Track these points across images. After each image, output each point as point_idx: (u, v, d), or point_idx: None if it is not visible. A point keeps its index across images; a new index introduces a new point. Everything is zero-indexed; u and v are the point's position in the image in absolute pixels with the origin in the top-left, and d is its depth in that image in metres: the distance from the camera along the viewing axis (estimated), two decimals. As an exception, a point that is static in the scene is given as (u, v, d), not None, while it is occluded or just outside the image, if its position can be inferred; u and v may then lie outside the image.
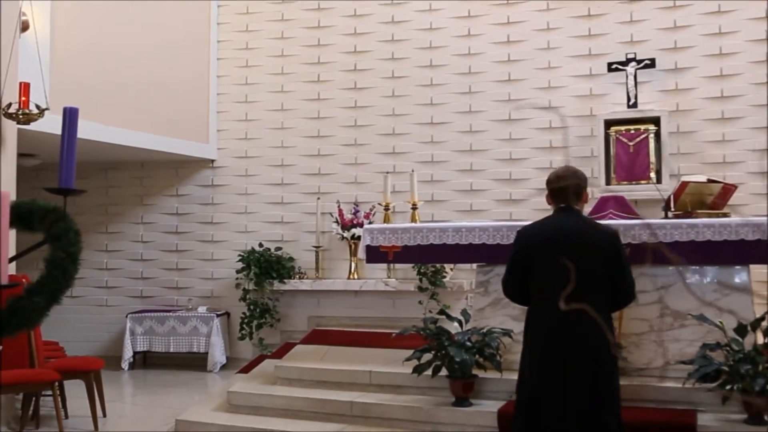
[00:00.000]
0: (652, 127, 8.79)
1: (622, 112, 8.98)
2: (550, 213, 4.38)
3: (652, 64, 8.93)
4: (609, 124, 8.97)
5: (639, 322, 5.85)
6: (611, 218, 6.50)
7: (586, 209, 8.43)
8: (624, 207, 6.76)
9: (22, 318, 2.37)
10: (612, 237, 4.05)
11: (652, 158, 8.77)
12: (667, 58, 9.00)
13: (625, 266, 4.05)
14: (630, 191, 8.59)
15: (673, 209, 6.46)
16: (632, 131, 8.86)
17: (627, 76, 8.97)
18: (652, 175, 8.75)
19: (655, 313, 5.86)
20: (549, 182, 4.16)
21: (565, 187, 4.10)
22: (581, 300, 3.74)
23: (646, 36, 9.10)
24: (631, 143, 8.84)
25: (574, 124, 9.31)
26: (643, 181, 8.74)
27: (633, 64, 8.97)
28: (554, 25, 9.45)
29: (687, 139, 8.86)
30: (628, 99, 8.96)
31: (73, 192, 2.60)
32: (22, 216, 2.62)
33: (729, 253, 5.68)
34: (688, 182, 6.51)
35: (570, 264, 3.77)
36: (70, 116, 2.61)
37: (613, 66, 9.07)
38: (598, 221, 4.38)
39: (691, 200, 6.43)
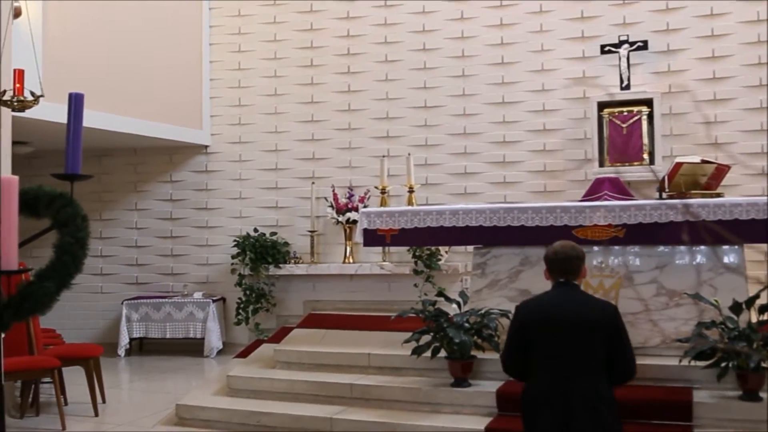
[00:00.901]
0: (645, 109, 8.83)
1: (615, 94, 9.00)
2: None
3: (644, 46, 8.96)
4: (602, 106, 9.01)
5: (634, 301, 5.91)
6: (606, 199, 6.55)
7: (581, 191, 8.52)
8: (619, 188, 6.81)
9: (33, 303, 2.40)
10: (612, 312, 4.06)
11: (645, 140, 8.81)
12: (659, 40, 9.03)
13: (626, 341, 4.06)
14: (623, 173, 8.63)
15: (667, 190, 6.51)
16: (625, 113, 8.90)
17: (620, 58, 9.00)
18: (645, 156, 8.80)
19: (651, 293, 5.92)
20: (547, 257, 4.15)
21: (564, 261, 4.09)
22: (583, 376, 3.84)
23: (639, 18, 9.12)
24: (624, 125, 8.88)
25: (567, 106, 9.34)
26: (636, 163, 8.79)
27: (626, 46, 8.99)
28: (547, 7, 9.46)
29: (679, 120, 8.90)
30: (621, 81, 8.99)
31: (80, 177, 2.62)
32: (28, 202, 2.64)
33: (710, 233, 5.74)
34: (682, 163, 6.56)
35: (571, 340, 3.87)
36: (75, 102, 2.61)
37: (606, 48, 9.11)
38: (596, 297, 4.36)
39: (685, 181, 6.48)
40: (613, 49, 9.06)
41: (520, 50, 9.55)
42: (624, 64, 8.98)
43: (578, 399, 3.82)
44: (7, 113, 6.54)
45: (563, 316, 3.95)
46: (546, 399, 3.87)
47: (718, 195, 6.47)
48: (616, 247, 6.06)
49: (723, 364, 5.06)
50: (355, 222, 9.17)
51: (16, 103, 6.38)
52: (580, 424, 3.80)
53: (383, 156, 9.59)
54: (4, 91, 6.34)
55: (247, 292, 9.78)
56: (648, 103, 8.84)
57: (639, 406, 5.09)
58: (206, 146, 10.57)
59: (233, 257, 9.86)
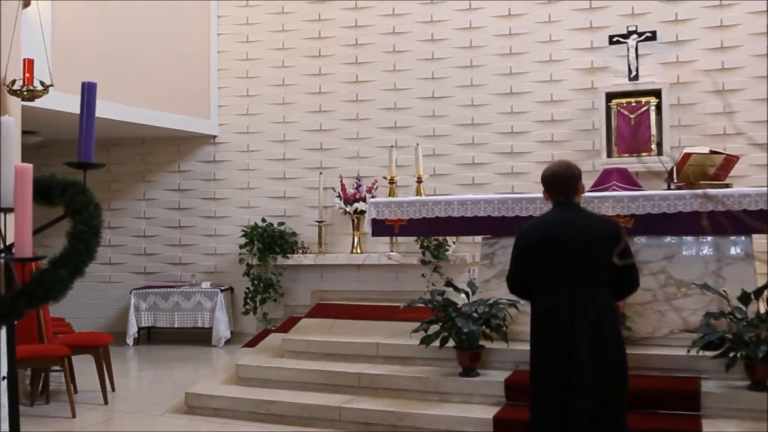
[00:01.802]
0: (653, 100, 8.81)
1: (623, 84, 8.99)
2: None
3: (653, 36, 8.93)
4: (610, 96, 8.99)
5: (643, 291, 5.86)
6: (614, 190, 6.54)
7: (589, 182, 8.50)
8: (627, 179, 6.78)
9: (47, 290, 2.41)
10: (614, 227, 4.10)
11: (653, 130, 8.80)
12: (668, 31, 9.00)
13: (629, 255, 4.12)
14: (632, 163, 8.62)
15: (675, 181, 6.50)
16: (633, 104, 8.88)
17: (628, 49, 8.98)
18: (654, 147, 8.78)
19: (659, 283, 5.93)
20: (545, 179, 4.19)
21: (561, 180, 4.14)
22: (586, 292, 3.90)
23: (647, 8, 9.09)
24: (632, 116, 8.87)
25: (575, 97, 9.33)
26: (644, 153, 8.77)
27: (634, 36, 8.97)
28: (555, -3, 9.44)
29: (688, 111, 8.88)
30: (629, 72, 8.97)
31: (93, 166, 2.64)
32: (42, 191, 2.66)
33: (731, 222, 5.73)
34: (691, 154, 6.55)
35: (571, 256, 3.96)
36: (88, 91, 2.63)
37: (615, 39, 9.08)
38: (597, 214, 4.42)
39: (693, 172, 6.47)
40: (621, 39, 9.03)
41: (528, 41, 9.53)
42: (632, 55, 8.96)
43: (581, 314, 3.90)
44: (17, 102, 6.56)
45: (563, 233, 4.03)
46: (551, 315, 3.97)
47: (727, 186, 6.46)
48: (625, 238, 6.06)
49: (731, 354, 5.07)
50: (363, 212, 9.19)
51: (25, 93, 6.44)
52: (582, 338, 3.88)
53: (391, 146, 9.59)
54: (14, 81, 6.38)
55: (255, 282, 9.81)
56: (656, 93, 8.81)
57: (647, 396, 5.11)
58: (214, 136, 10.59)
59: (241, 247, 9.89)
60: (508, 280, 4.29)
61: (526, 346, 5.82)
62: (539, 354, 4.07)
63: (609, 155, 8.88)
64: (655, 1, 9.07)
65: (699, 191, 5.90)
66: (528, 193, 8.17)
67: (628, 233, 5.84)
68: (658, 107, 8.79)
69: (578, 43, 9.35)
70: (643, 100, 8.84)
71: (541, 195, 6.23)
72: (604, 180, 6.88)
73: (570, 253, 3.97)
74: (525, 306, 6.07)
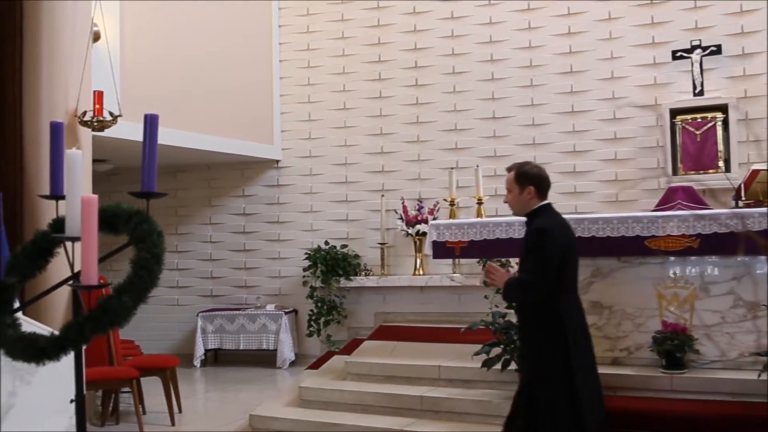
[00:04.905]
0: (719, 115, 8.63)
1: (688, 100, 8.83)
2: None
3: (718, 50, 8.76)
4: (675, 113, 8.84)
5: (711, 313, 5.77)
6: (680, 209, 6.41)
7: (653, 200, 8.36)
8: (693, 197, 6.65)
9: (112, 316, 2.48)
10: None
11: (720, 146, 8.61)
12: (733, 44, 8.80)
13: None
14: (698, 181, 8.45)
15: (744, 198, 6.34)
16: (699, 120, 8.72)
17: (692, 64, 8.83)
18: (721, 164, 8.59)
19: (728, 304, 5.76)
20: (540, 177, 4.29)
21: (549, 181, 4.37)
22: (577, 288, 4.24)
23: (712, 22, 8.91)
24: (698, 132, 8.70)
25: (638, 114, 9.19)
26: (711, 171, 8.59)
27: (698, 51, 8.81)
28: (616, 14, 9.33)
29: (756, 126, 8.66)
30: (694, 87, 8.81)
31: (155, 195, 2.70)
32: (107, 219, 2.74)
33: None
34: (759, 170, 6.38)
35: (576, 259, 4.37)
36: (150, 123, 2.71)
37: (678, 54, 8.93)
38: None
39: (762, 188, 6.29)
40: (685, 54, 8.88)
41: (589, 58, 9.44)
42: (697, 70, 8.80)
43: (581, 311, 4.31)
44: (87, 133, 6.79)
45: (574, 238, 4.35)
46: (578, 316, 4.24)
47: (798, 203, 6.27)
48: (691, 258, 5.93)
49: (805, 378, 4.90)
50: (424, 234, 9.18)
51: (95, 124, 6.66)
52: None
53: (452, 168, 9.60)
54: (85, 112, 6.61)
55: (319, 304, 9.89)
56: (722, 108, 8.63)
57: (715, 421, 4.96)
58: (277, 161, 10.76)
59: (305, 270, 10.00)
60: (540, 280, 4.13)
61: (590, 369, 5.77)
62: (577, 354, 4.13)
63: (674, 173, 8.72)
64: (720, 14, 8.89)
65: (740, 211, 5.76)
66: (591, 213, 8.09)
67: (695, 253, 5.72)
68: (725, 123, 8.60)
69: (640, 59, 9.22)
70: (709, 115, 8.67)
71: (603, 215, 6.20)
72: (669, 198, 6.77)
73: (575, 255, 4.31)
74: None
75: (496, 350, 5.78)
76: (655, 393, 5.46)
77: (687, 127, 8.75)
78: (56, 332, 2.58)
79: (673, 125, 8.83)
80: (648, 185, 9.01)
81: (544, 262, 4.08)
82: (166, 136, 8.65)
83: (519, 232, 6.29)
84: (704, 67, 8.79)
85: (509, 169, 4.31)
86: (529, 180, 4.19)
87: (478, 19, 9.91)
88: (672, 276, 5.94)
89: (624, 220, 5.97)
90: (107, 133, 6.98)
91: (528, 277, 4.15)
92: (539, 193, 4.21)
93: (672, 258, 5.94)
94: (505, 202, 4.52)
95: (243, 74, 10.15)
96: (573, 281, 4.22)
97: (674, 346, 5.51)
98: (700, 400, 5.23)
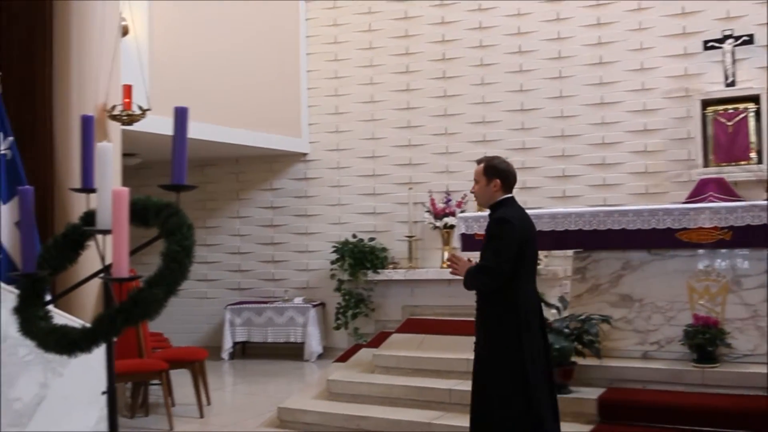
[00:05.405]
0: (751, 106, 8.50)
1: (720, 91, 8.71)
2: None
3: (750, 40, 8.63)
4: (706, 104, 8.72)
5: (742, 307, 5.70)
6: (711, 201, 6.33)
7: (684, 193, 8.27)
8: (724, 189, 6.58)
9: (143, 308, 2.49)
10: None
11: (752, 138, 8.48)
12: (766, 33, 8.65)
13: None
14: (729, 173, 8.34)
15: (777, 190, 6.25)
16: (731, 111, 8.59)
17: (724, 54, 8.70)
18: (753, 155, 8.46)
19: (760, 298, 5.69)
20: (508, 171, 4.36)
21: (515, 177, 4.42)
22: (535, 280, 4.35)
23: (743, 11, 8.77)
24: (729, 123, 8.57)
25: (668, 105, 9.09)
26: (743, 162, 8.47)
27: (730, 41, 8.69)
28: (646, 4, 9.22)
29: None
30: (726, 77, 8.69)
31: (186, 187, 2.70)
32: (137, 212, 2.75)
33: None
34: (793, 162, 6.28)
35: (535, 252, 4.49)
36: (180, 115, 2.71)
37: (710, 44, 8.81)
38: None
39: (796, 180, 6.20)
40: (716, 44, 8.76)
41: (619, 49, 9.34)
42: (729, 60, 8.68)
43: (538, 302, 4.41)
44: (117, 127, 6.83)
45: (534, 232, 4.43)
46: (534, 308, 4.29)
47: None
48: (723, 251, 5.85)
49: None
50: (452, 227, 9.14)
51: (125, 117, 6.71)
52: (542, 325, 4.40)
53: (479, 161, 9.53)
54: (114, 106, 6.65)
55: (346, 297, 9.90)
56: (755, 99, 8.50)
57: (748, 416, 4.90)
58: (305, 154, 10.77)
59: (332, 263, 10.01)
60: (499, 267, 4.18)
61: (620, 363, 5.74)
62: (530, 344, 4.18)
63: (705, 165, 8.60)
64: (752, 3, 8.75)
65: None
66: (621, 205, 8.01)
67: (727, 246, 5.64)
68: (758, 113, 8.47)
69: (671, 50, 9.11)
70: (741, 106, 8.54)
71: (634, 207, 6.14)
72: (701, 191, 6.70)
73: (535, 248, 4.42)
74: (618, 322, 5.97)
75: (524, 343, 5.72)
76: (686, 387, 5.41)
77: (718, 118, 8.63)
78: (87, 324, 2.59)
79: (704, 116, 8.71)
80: (679, 177, 8.90)
81: (501, 249, 4.19)
82: (194, 130, 8.68)
83: (548, 225, 6.25)
84: (736, 57, 8.66)
85: (479, 162, 4.44)
86: (496, 173, 4.33)
87: (506, 11, 9.84)
88: (703, 269, 5.87)
89: (655, 212, 5.91)
90: (136, 127, 7.02)
91: (486, 264, 4.24)
92: (504, 187, 4.33)
93: (703, 251, 5.87)
94: (472, 191, 4.64)
95: (270, 68, 10.17)
96: (531, 272, 4.34)
97: (706, 340, 5.45)
98: (733, 394, 5.16)
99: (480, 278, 4.28)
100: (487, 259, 4.24)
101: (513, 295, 4.20)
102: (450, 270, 4.54)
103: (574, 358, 5.67)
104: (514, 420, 4.14)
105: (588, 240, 6.17)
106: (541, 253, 8.86)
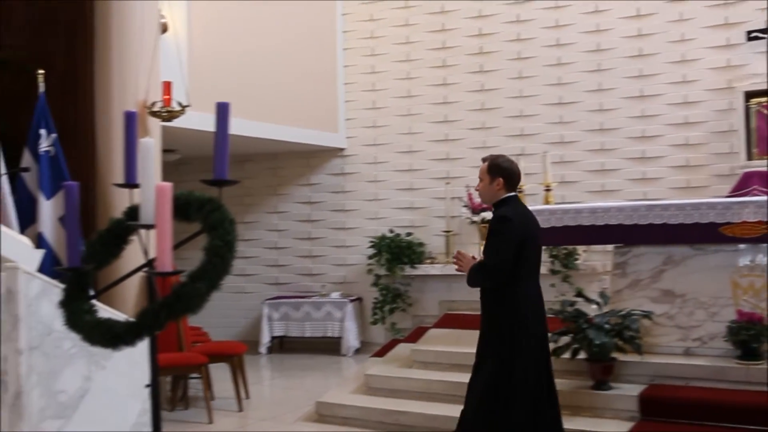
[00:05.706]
0: (796, 98, 8.34)
1: (764, 83, 8.53)
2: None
3: (795, 30, 8.46)
4: (749, 96, 8.56)
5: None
6: (755, 194, 6.22)
7: (727, 186, 8.14)
8: (769, 183, 6.46)
9: (186, 302, 2.51)
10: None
11: (797, 131, 8.32)
12: (812, 24, 8.49)
13: None
14: (774, 166, 8.18)
15: (824, 183, 6.12)
16: (774, 103, 8.43)
17: (768, 45, 8.54)
18: (798, 148, 8.30)
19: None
20: (511, 170, 4.38)
21: (519, 176, 4.46)
22: (539, 276, 4.38)
23: (789, 1, 8.61)
24: (773, 115, 8.41)
25: (710, 97, 8.94)
26: (787, 155, 8.30)
27: (775, 31, 8.52)
28: (687, -5, 9.09)
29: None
30: (770, 69, 8.52)
31: (228, 182, 2.72)
32: (179, 207, 2.77)
33: None
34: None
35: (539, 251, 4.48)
36: (221, 111, 2.73)
37: (753, 34, 8.65)
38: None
39: (843, 173, 6.07)
40: (760, 35, 8.59)
41: (659, 41, 9.21)
42: (773, 51, 8.51)
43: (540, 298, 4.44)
44: (157, 123, 6.91)
45: (537, 230, 4.47)
46: (534, 305, 4.34)
47: None
48: (767, 245, 5.75)
49: None
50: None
51: (164, 114, 6.78)
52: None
53: (518, 155, 9.45)
54: (154, 103, 6.73)
55: (384, 292, 9.91)
56: (801, 91, 8.33)
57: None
58: (342, 149, 10.79)
59: (369, 258, 10.02)
60: (500, 264, 4.23)
61: (662, 359, 5.67)
62: (525, 341, 4.24)
63: (749, 158, 8.45)
64: (797, -6, 8.58)
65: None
66: (661, 199, 7.91)
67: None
68: (803, 106, 8.30)
69: (713, 41, 8.96)
70: (786, 98, 8.37)
71: (676, 201, 6.05)
72: (744, 184, 6.58)
73: (538, 248, 4.43)
74: (659, 317, 5.90)
75: (564, 339, 5.69)
76: (730, 384, 5.32)
77: (762, 110, 8.47)
78: (130, 318, 2.62)
79: (747, 109, 8.56)
80: (721, 171, 8.76)
81: (502, 245, 4.24)
82: (233, 126, 8.74)
83: (587, 219, 6.19)
84: (781, 48, 8.50)
85: (484, 160, 4.49)
86: (499, 172, 4.36)
87: (544, 4, 9.76)
88: (748, 264, 5.77)
89: (697, 206, 5.82)
90: (175, 123, 7.10)
91: (488, 260, 4.30)
92: (507, 185, 4.37)
93: (746, 246, 5.77)
94: (476, 189, 4.64)
95: (308, 63, 10.20)
96: (532, 271, 4.37)
97: (750, 336, 5.36)
98: (761, 391, 5.07)
99: (482, 276, 4.34)
100: (488, 257, 4.31)
101: (511, 293, 4.27)
102: (456, 267, 4.54)
103: (614, 354, 5.61)
104: (494, 414, 4.31)
105: (628, 235, 6.09)
106: (580, 248, 8.80)
